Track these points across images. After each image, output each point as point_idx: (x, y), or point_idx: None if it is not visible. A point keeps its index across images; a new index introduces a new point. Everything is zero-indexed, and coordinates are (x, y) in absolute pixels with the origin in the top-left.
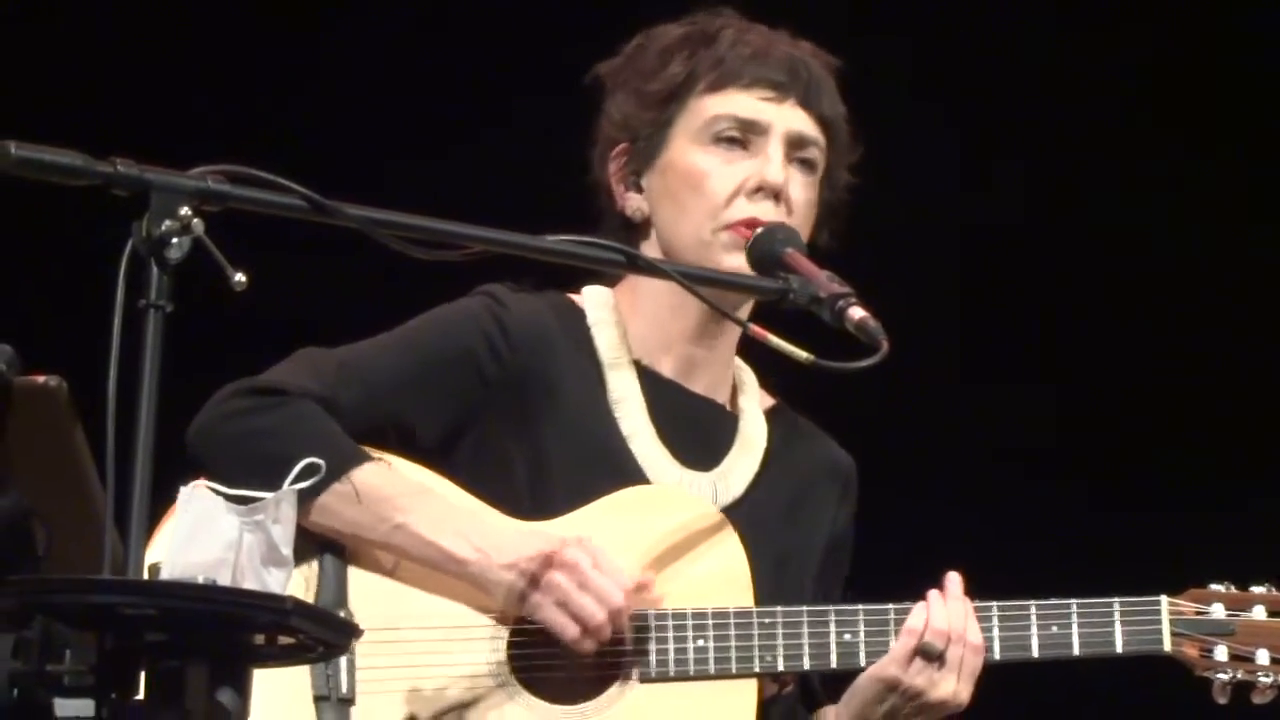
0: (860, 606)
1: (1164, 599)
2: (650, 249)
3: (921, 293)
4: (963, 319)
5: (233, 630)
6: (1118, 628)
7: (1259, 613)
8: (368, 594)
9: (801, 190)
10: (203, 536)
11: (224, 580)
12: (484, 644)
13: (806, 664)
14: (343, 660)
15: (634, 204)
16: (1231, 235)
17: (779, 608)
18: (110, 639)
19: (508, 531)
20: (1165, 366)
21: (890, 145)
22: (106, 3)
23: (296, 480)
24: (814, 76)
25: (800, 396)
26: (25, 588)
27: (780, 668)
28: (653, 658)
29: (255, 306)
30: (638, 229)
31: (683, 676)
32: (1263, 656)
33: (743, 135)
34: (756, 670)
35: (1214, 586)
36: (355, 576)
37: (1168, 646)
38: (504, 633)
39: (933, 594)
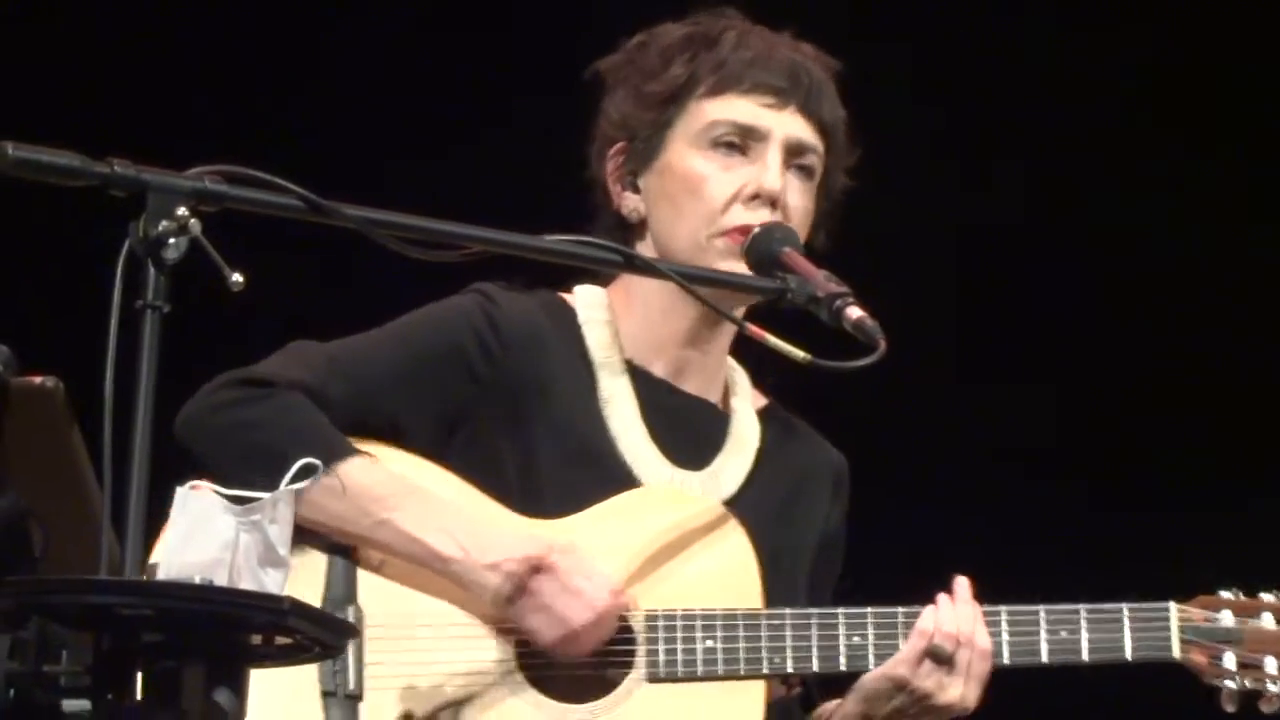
0: (869, 609)
1: (1173, 605)
2: (645, 249)
3: (922, 293)
4: (963, 320)
5: (229, 631)
6: (1127, 634)
7: (1267, 620)
8: (377, 590)
9: (799, 197)
10: (199, 537)
11: (221, 580)
12: (492, 641)
13: (815, 666)
14: (350, 656)
15: (630, 204)
16: (1231, 235)
17: (787, 609)
18: (107, 639)
19: (495, 531)
20: (1165, 366)
21: (890, 145)
22: (105, 3)
23: (294, 480)
24: (814, 82)
25: (801, 397)
26: (22, 588)
27: (789, 669)
28: (661, 657)
29: (252, 307)
30: (633, 228)
31: (691, 677)
32: (1271, 665)
33: (742, 141)
34: (765, 672)
35: (1222, 593)
36: (365, 572)
37: (1177, 653)
38: (512, 631)
39: (942, 597)
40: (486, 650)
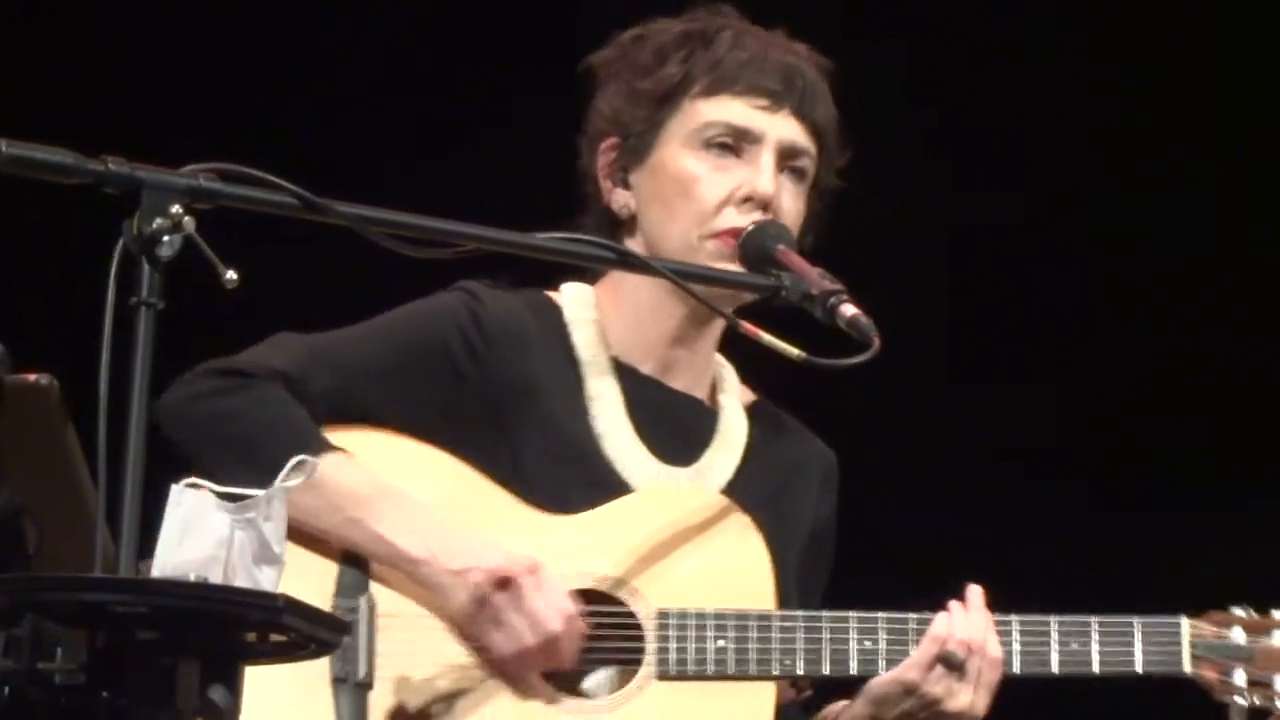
0: (880, 614)
1: (1185, 620)
2: (635, 245)
3: (921, 293)
4: (963, 320)
5: (224, 628)
6: (1138, 647)
7: (1278, 639)
8: (390, 580)
9: (791, 200)
10: (194, 534)
11: (215, 578)
12: None
13: (826, 669)
14: (362, 645)
15: (621, 200)
16: (1231, 235)
17: (800, 612)
18: (101, 637)
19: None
20: (1165, 366)
21: (891, 145)
22: (102, 1)
23: (288, 477)
24: (809, 84)
25: (801, 397)
26: (16, 586)
27: (800, 671)
28: (672, 655)
29: (247, 304)
30: (623, 225)
31: (701, 676)
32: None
33: (735, 143)
34: (775, 673)
35: (1234, 610)
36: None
37: (1188, 668)
38: None
39: (955, 605)
40: None
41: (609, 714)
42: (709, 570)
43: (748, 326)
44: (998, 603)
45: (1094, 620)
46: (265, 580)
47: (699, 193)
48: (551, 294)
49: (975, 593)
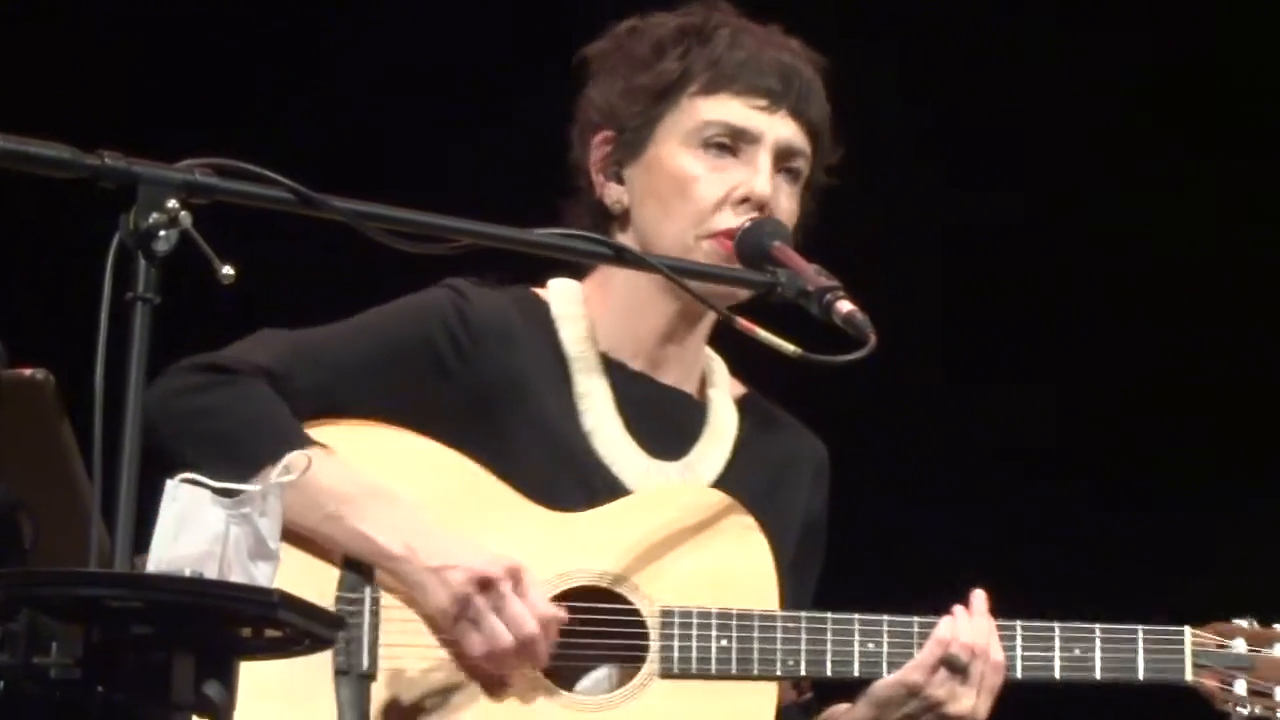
0: (885, 617)
1: (1188, 630)
2: (627, 240)
3: (918, 292)
4: (962, 319)
5: (219, 623)
6: (1140, 655)
7: (1279, 650)
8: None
9: (786, 200)
10: (189, 529)
11: (210, 573)
12: None
13: (829, 671)
14: (365, 636)
15: (614, 195)
16: (1232, 235)
17: (803, 613)
18: (97, 632)
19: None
20: (1165, 366)
21: (887, 143)
22: None
23: (283, 472)
24: (806, 83)
25: (796, 396)
26: (11, 580)
27: (802, 672)
28: (676, 653)
29: (243, 299)
30: (615, 219)
31: (704, 674)
32: None
33: (733, 143)
34: (778, 674)
35: (1237, 621)
36: None
37: (1189, 676)
38: None
39: (959, 609)
40: None
41: (612, 710)
42: (713, 569)
43: (744, 323)
44: (998, 603)
45: (1097, 627)
46: (260, 576)
47: (696, 192)
48: (539, 290)
49: (979, 597)
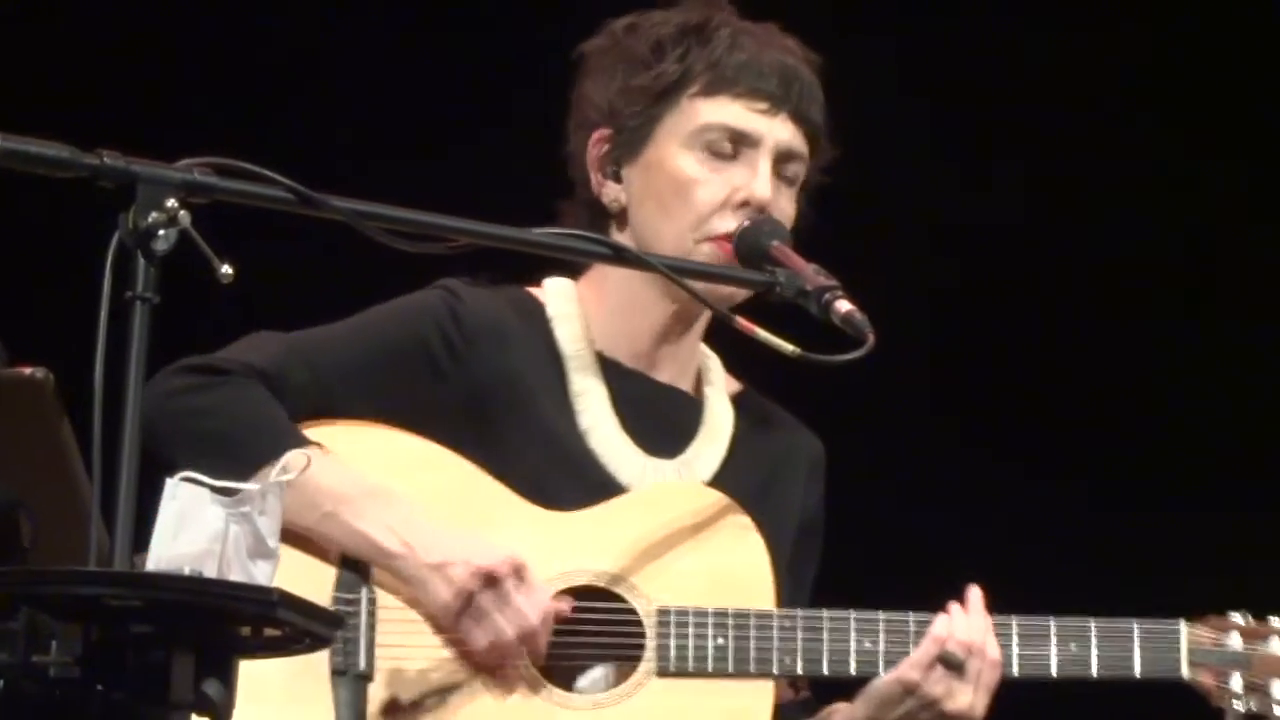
0: (881, 614)
1: (1183, 625)
2: (624, 239)
3: (918, 291)
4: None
5: (219, 622)
6: (1136, 651)
7: (1275, 645)
8: (392, 574)
9: (784, 203)
10: (189, 528)
11: (210, 572)
12: None
13: (825, 669)
14: (362, 637)
15: (611, 193)
16: (1232, 235)
17: (799, 611)
18: (96, 630)
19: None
20: (1165, 366)
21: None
22: None
23: (283, 471)
24: (806, 86)
25: (793, 395)
26: (11, 579)
27: (799, 671)
28: (672, 652)
29: (242, 299)
30: (612, 217)
31: (701, 673)
32: (1276, 689)
33: (733, 146)
34: (774, 672)
35: (1232, 616)
36: None
37: (1185, 672)
38: None
39: (955, 606)
40: None
41: (609, 709)
42: (709, 569)
43: (743, 322)
44: (997, 603)
45: (1093, 623)
46: (260, 574)
47: (696, 195)
48: (533, 290)
49: (975, 594)
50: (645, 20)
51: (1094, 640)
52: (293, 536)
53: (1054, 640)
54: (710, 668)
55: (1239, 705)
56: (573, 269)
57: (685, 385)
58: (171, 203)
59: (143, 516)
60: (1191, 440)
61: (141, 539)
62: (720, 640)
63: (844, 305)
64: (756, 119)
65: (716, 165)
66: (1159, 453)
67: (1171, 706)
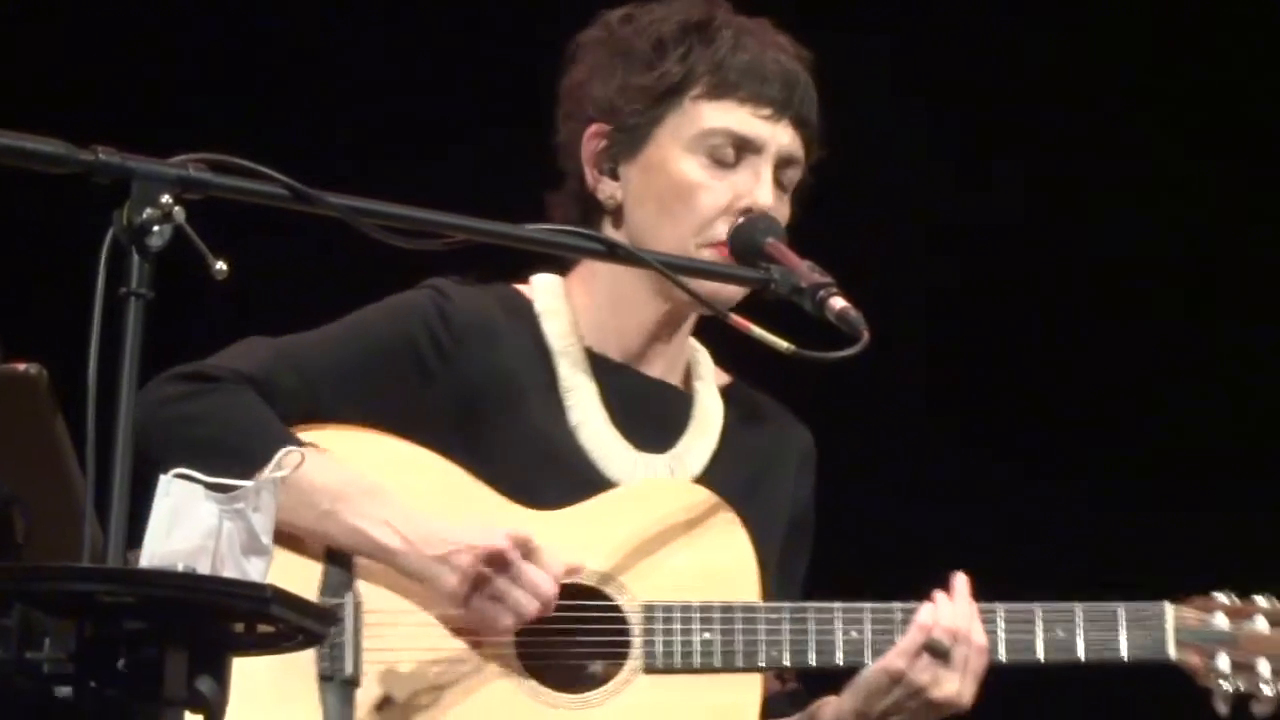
0: (866, 604)
1: (1168, 606)
2: (619, 236)
3: (914, 290)
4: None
5: (212, 619)
6: (1122, 633)
7: (1260, 623)
8: (375, 577)
9: (782, 207)
10: (182, 525)
11: (203, 569)
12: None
13: (812, 660)
14: (348, 641)
15: (608, 190)
16: (1231, 235)
17: (786, 604)
18: (89, 627)
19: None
20: (1164, 366)
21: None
22: None
23: (277, 468)
24: (805, 90)
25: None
26: (4, 575)
27: (786, 662)
28: (659, 649)
29: (236, 295)
30: (607, 213)
31: (688, 669)
32: (1263, 667)
33: (736, 153)
34: (762, 665)
35: (1217, 595)
36: (363, 559)
37: (1172, 654)
38: None
39: (940, 594)
40: (485, 638)
41: (597, 708)
42: (694, 565)
43: (738, 319)
44: (989, 598)
45: (1078, 607)
46: (253, 571)
47: (699, 200)
48: (521, 287)
49: (961, 581)
50: (644, 14)
51: (1080, 624)
52: (280, 537)
53: (1040, 625)
54: (698, 663)
55: (1226, 684)
56: (561, 265)
57: (675, 380)
58: (166, 199)
59: (136, 513)
60: (1191, 440)
61: (135, 535)
62: (706, 635)
63: (838, 302)
64: (760, 125)
65: (719, 170)
66: (1158, 452)
67: (1158, 691)
